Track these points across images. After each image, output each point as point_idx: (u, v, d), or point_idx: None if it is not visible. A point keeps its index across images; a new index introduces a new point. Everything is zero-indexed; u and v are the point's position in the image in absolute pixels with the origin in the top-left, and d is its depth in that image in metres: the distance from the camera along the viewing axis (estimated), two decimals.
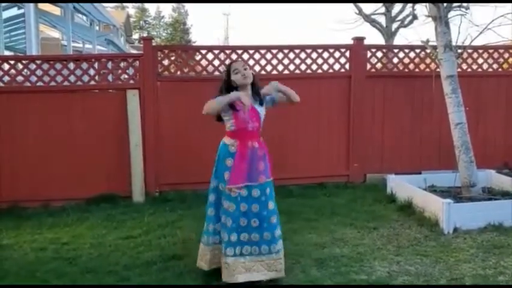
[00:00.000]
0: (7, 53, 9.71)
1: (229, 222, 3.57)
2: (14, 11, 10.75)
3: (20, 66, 6.29)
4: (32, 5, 9.59)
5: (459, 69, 6.39)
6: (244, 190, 3.56)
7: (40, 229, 5.19)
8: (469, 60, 7.00)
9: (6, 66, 6.22)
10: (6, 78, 6.21)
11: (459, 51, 5.80)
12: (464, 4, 5.55)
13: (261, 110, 3.69)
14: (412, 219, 5.15)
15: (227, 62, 6.67)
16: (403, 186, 5.76)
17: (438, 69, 5.90)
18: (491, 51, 7.02)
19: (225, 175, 3.60)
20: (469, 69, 7.01)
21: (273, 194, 3.70)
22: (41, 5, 12.14)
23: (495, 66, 7.09)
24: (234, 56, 6.62)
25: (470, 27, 5.73)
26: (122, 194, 6.24)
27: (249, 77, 3.60)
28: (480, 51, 6.98)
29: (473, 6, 5.70)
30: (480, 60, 7.03)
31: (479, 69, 7.04)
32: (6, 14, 10.19)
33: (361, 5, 14.21)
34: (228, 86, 3.62)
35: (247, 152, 3.58)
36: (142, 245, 4.60)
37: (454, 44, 5.62)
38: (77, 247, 4.60)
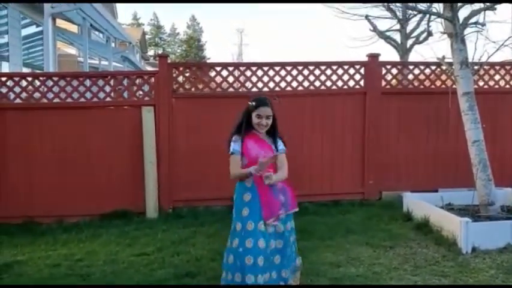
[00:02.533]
0: (25, 69, 9.91)
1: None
2: (32, 29, 11.01)
3: (37, 83, 6.38)
4: (50, 23, 9.79)
5: (476, 86, 6.31)
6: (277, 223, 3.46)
7: (54, 245, 5.20)
8: (486, 77, 6.94)
9: (24, 83, 6.32)
10: (24, 95, 6.30)
11: (476, 68, 5.74)
12: (481, 21, 5.50)
13: (273, 147, 3.55)
14: (429, 238, 5.05)
15: (241, 79, 6.68)
16: (419, 204, 5.66)
17: (454, 86, 5.84)
18: (508, 67, 6.95)
19: (243, 211, 3.43)
20: (486, 86, 6.94)
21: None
22: (59, 23, 12.39)
23: None
24: (248, 73, 6.63)
25: (487, 43, 5.64)
26: (135, 210, 6.24)
27: (266, 127, 3.50)
28: (497, 67, 6.92)
29: (489, 23, 5.66)
30: (497, 77, 6.96)
31: (496, 86, 6.97)
32: (25, 31, 10.44)
33: (375, 21, 14.17)
34: (248, 117, 3.53)
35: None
36: (155, 262, 4.58)
37: (470, 60, 5.57)
38: (91, 264, 4.60)
